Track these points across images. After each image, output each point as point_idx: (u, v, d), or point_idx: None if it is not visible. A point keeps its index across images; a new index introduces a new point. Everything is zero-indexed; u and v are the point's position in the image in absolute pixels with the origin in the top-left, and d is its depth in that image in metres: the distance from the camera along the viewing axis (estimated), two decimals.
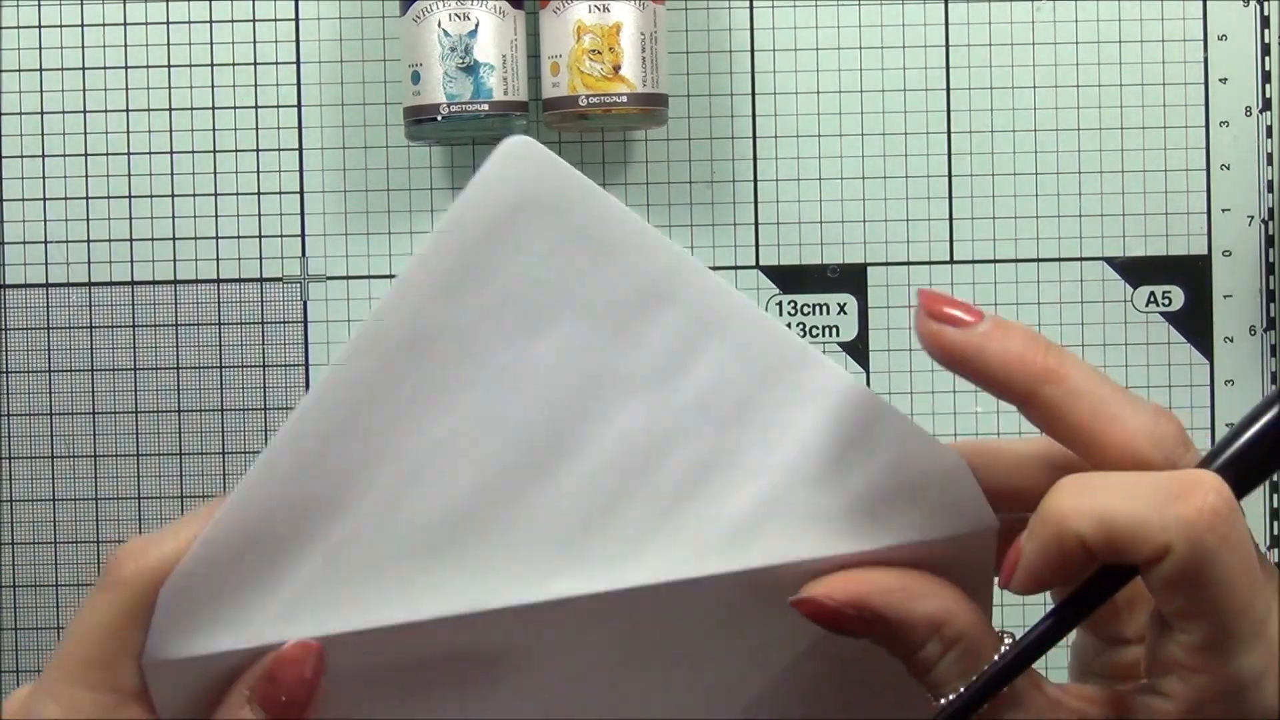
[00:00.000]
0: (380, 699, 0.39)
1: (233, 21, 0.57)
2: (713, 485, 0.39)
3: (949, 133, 0.57)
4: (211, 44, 0.57)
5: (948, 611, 0.38)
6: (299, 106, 0.57)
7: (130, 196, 0.57)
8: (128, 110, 0.57)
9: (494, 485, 0.38)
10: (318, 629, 0.38)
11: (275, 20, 0.57)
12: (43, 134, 0.57)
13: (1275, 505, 0.57)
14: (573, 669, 0.39)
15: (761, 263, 0.58)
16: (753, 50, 0.57)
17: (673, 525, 0.38)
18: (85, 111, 0.57)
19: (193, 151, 0.57)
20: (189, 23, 0.57)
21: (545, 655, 0.39)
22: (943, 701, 0.37)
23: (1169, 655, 0.36)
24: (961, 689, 0.37)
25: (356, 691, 0.38)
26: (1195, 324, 0.57)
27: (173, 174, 0.57)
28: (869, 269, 0.57)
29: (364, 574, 0.38)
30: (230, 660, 0.38)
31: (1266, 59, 0.57)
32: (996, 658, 0.36)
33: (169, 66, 0.57)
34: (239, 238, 0.57)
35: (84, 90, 0.57)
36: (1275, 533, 0.57)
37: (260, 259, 0.57)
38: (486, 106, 0.52)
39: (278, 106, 0.57)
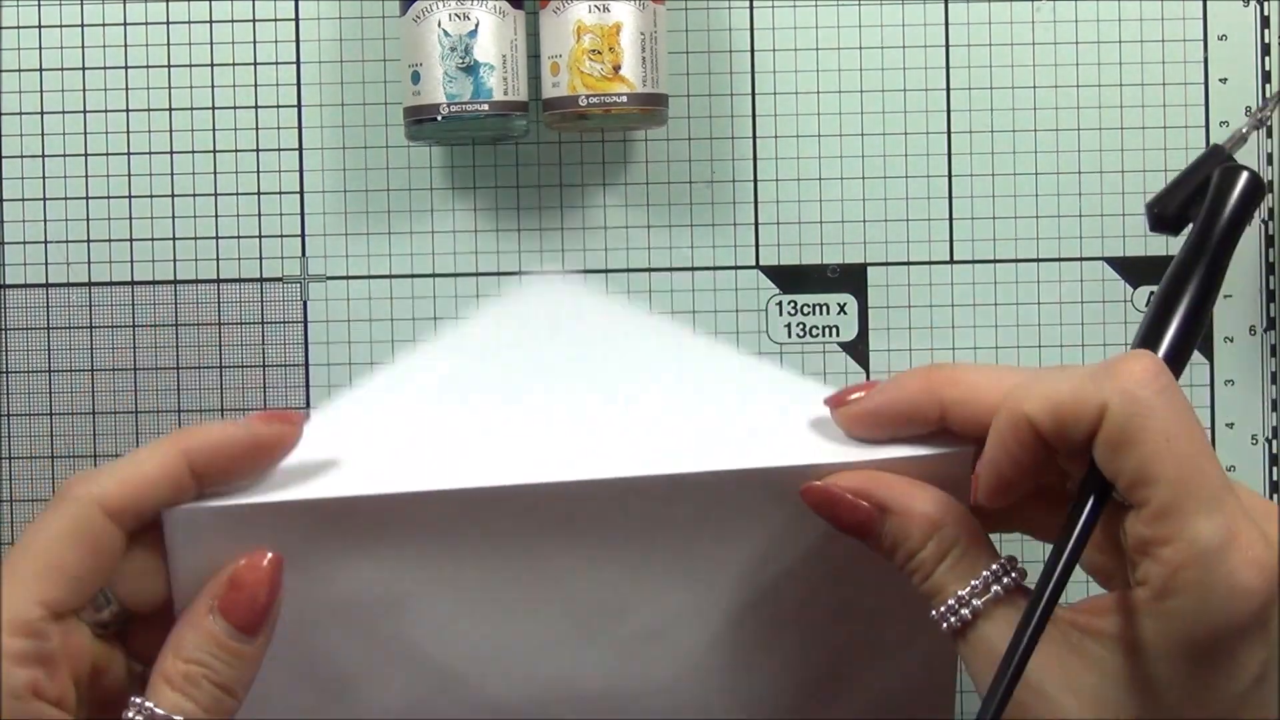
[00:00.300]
0: (401, 569, 0.43)
1: (233, 21, 0.57)
2: (723, 406, 0.45)
3: (949, 133, 0.57)
4: (211, 44, 0.57)
5: (944, 514, 0.40)
6: (299, 106, 0.57)
7: (130, 196, 0.57)
8: (128, 110, 0.57)
9: (522, 404, 0.45)
10: (337, 491, 0.41)
11: (275, 20, 0.57)
12: (43, 134, 0.57)
13: (1275, 504, 0.57)
14: (592, 553, 0.43)
15: (761, 263, 0.58)
16: (753, 50, 0.57)
17: (684, 431, 0.44)
18: (85, 111, 0.57)
19: (193, 151, 0.57)
20: (189, 23, 0.57)
21: (562, 538, 0.43)
22: (943, 609, 0.40)
23: (1137, 536, 0.37)
24: (961, 593, 0.39)
25: (375, 553, 0.42)
26: None
27: (173, 174, 0.57)
28: (869, 269, 0.57)
29: (406, 446, 0.43)
30: (243, 514, 0.41)
31: (1266, 59, 0.57)
32: (1021, 617, 0.38)
33: (169, 66, 0.57)
34: (239, 238, 0.57)
35: (84, 90, 0.57)
36: None
37: (260, 259, 0.57)
38: (486, 106, 0.52)
39: (278, 106, 0.57)
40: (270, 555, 0.41)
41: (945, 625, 0.39)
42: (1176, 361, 0.42)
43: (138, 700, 0.40)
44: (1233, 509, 0.36)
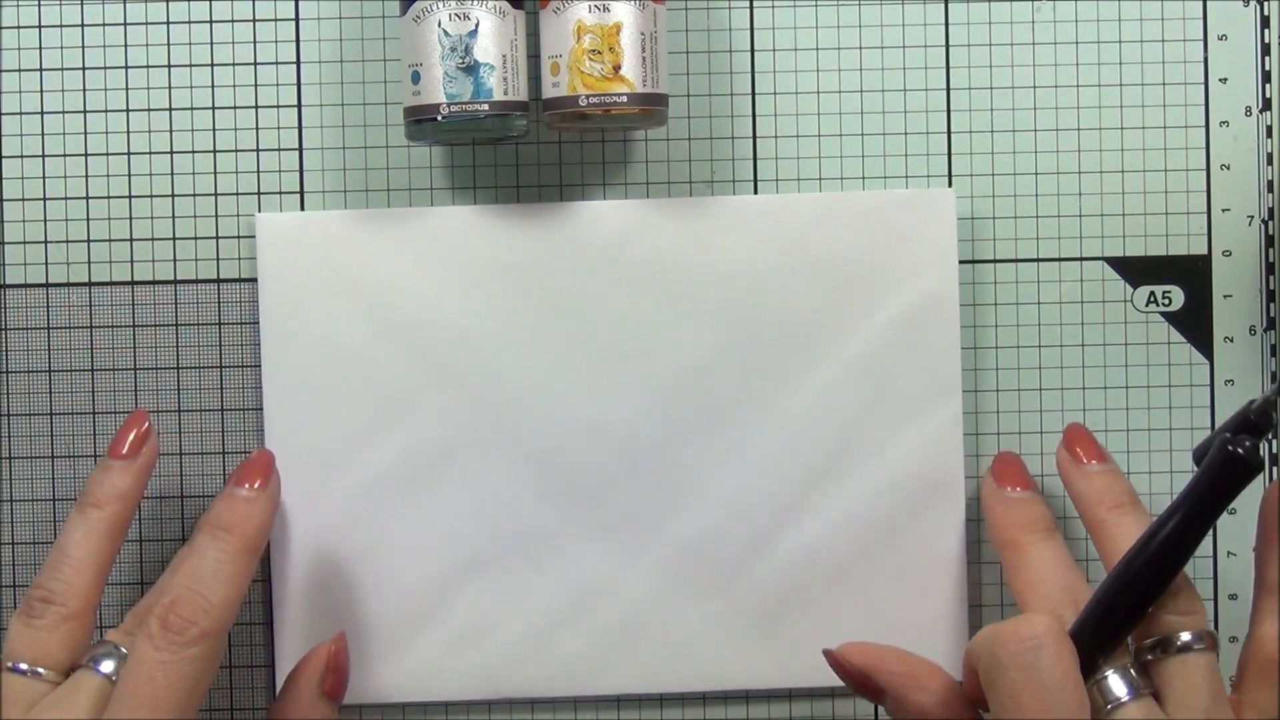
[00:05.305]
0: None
1: (233, 21, 0.57)
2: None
3: (949, 132, 0.57)
4: (211, 44, 0.57)
5: (935, 705, 0.48)
6: (299, 106, 0.57)
7: (130, 196, 0.57)
8: (128, 110, 0.57)
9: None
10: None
11: (275, 20, 0.57)
12: (43, 134, 0.57)
13: None
14: (626, 289, 0.55)
15: None
16: (753, 50, 0.57)
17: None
18: (85, 111, 0.57)
19: (193, 151, 0.57)
20: (189, 23, 0.57)
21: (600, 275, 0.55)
22: None
23: None
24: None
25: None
26: (1195, 324, 0.57)
27: (173, 174, 0.57)
28: None
29: None
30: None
31: (1266, 59, 0.57)
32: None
33: (169, 66, 0.57)
34: (239, 238, 0.57)
35: (84, 90, 0.57)
36: None
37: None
38: (486, 106, 0.52)
39: (278, 106, 0.57)
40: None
41: None
42: (1108, 621, 0.45)
43: None
44: None
